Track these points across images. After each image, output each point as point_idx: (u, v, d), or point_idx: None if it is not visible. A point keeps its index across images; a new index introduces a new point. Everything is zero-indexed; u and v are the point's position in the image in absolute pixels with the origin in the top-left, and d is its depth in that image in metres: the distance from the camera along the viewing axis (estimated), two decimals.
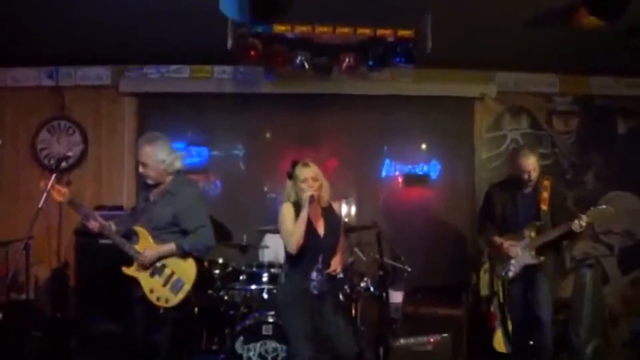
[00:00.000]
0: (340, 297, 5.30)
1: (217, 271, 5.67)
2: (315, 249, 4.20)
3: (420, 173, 7.59)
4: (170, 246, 4.40)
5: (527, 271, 5.31)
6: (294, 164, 4.40)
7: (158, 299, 4.37)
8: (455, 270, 7.28)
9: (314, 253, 4.19)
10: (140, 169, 4.48)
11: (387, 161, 7.61)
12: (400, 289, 6.13)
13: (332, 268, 4.30)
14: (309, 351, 4.13)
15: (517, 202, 5.33)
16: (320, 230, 4.32)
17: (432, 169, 7.61)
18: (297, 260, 4.27)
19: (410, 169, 7.59)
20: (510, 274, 5.31)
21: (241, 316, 5.40)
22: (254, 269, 5.69)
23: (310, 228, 4.24)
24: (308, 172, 4.28)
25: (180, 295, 4.37)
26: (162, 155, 4.43)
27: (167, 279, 4.40)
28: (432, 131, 7.55)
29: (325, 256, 4.21)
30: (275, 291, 5.24)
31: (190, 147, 7.44)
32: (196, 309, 5.42)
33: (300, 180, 4.29)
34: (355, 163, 7.54)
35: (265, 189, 7.56)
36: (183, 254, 4.43)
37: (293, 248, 4.20)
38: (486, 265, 5.93)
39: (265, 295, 5.51)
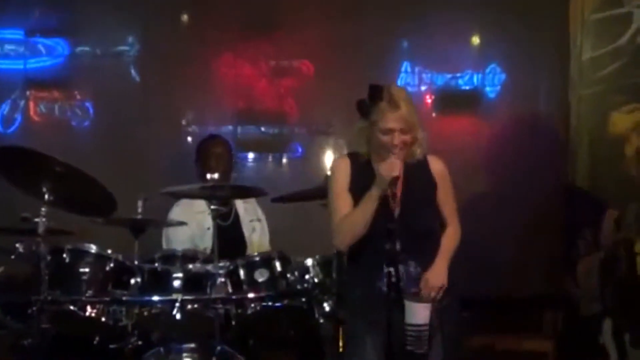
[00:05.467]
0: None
1: (84, 269, 5.57)
2: (383, 236, 4.37)
3: (467, 88, 7.66)
4: None
5: None
6: (375, 93, 4.43)
7: None
8: (532, 269, 7.37)
9: (381, 242, 4.38)
10: None
11: (406, 66, 7.65)
12: (425, 300, 6.01)
13: (427, 283, 4.44)
14: None
15: None
16: (395, 205, 4.42)
17: (489, 80, 7.66)
18: (358, 250, 4.53)
19: (449, 81, 7.66)
20: None
21: (132, 352, 5.37)
22: (157, 266, 5.62)
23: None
24: (396, 119, 4.33)
25: None
26: None
27: None
28: (489, 12, 7.57)
29: (408, 243, 4.40)
30: (193, 306, 5.36)
31: (34, 38, 7.46)
32: (48, 337, 5.37)
33: (380, 130, 4.37)
34: (347, 70, 7.49)
35: (184, 121, 7.65)
36: None
37: (338, 245, 4.63)
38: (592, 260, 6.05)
39: (177, 315, 5.41)
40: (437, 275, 4.43)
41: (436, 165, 4.56)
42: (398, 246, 4.32)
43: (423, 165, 4.52)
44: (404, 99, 4.37)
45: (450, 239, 4.57)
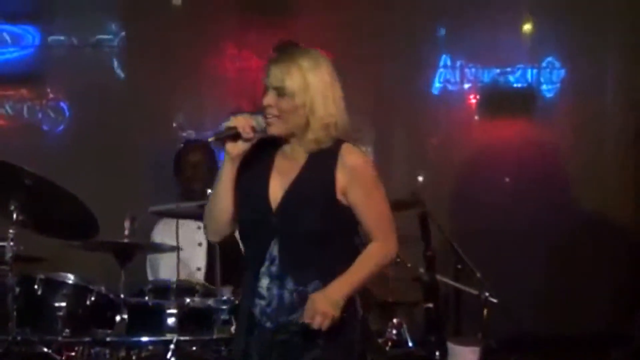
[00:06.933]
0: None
1: (60, 304, 5.54)
2: (262, 233, 4.22)
3: (519, 86, 7.70)
4: None
5: None
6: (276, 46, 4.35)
7: None
8: (595, 302, 7.36)
9: (260, 240, 4.23)
10: None
11: (445, 59, 7.69)
12: (474, 343, 6.05)
13: (309, 311, 4.15)
14: None
15: None
16: (276, 193, 4.26)
17: (546, 76, 7.69)
18: (246, 258, 4.35)
19: (497, 77, 7.70)
20: None
21: None
22: (147, 300, 5.71)
23: (257, 188, 4.24)
24: (271, 75, 4.14)
25: None
26: None
27: None
28: None
29: (285, 247, 4.17)
30: (191, 349, 5.42)
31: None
32: None
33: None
34: (374, 63, 7.54)
35: (175, 123, 7.65)
36: None
37: (209, 236, 4.55)
38: None
39: (172, 359, 5.44)
40: (325, 298, 4.05)
41: (350, 158, 4.22)
42: (275, 251, 4.14)
43: (331, 155, 4.24)
44: (292, 60, 4.14)
45: (366, 258, 4.17)
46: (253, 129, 4.06)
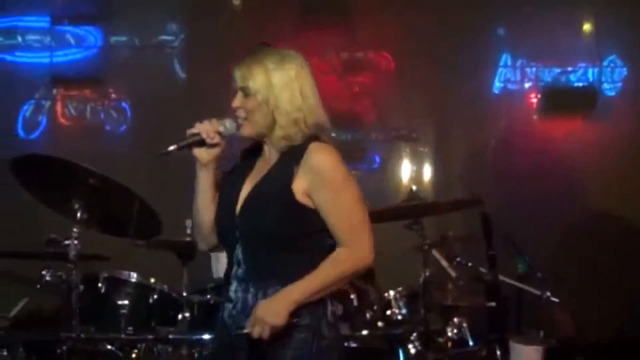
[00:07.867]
0: None
1: (123, 302, 5.61)
2: (231, 236, 4.18)
3: (581, 85, 7.63)
4: None
5: None
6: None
7: None
8: None
9: (230, 244, 4.21)
10: None
11: (506, 58, 7.67)
12: (537, 342, 5.98)
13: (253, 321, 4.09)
14: None
15: None
16: (241, 197, 4.23)
17: (608, 75, 7.61)
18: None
19: (558, 77, 7.63)
20: None
21: None
22: (209, 298, 5.72)
23: (231, 192, 4.21)
24: (236, 76, 4.15)
25: None
26: None
27: None
28: None
29: (246, 249, 4.14)
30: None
31: (62, 26, 7.56)
32: None
33: None
34: (434, 63, 7.53)
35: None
36: None
37: (199, 245, 4.50)
38: None
39: None
40: (267, 306, 3.95)
41: (314, 157, 4.05)
42: (240, 255, 4.08)
43: (297, 153, 4.10)
44: (256, 60, 4.11)
45: (328, 265, 4.01)
46: (219, 134, 4.04)
